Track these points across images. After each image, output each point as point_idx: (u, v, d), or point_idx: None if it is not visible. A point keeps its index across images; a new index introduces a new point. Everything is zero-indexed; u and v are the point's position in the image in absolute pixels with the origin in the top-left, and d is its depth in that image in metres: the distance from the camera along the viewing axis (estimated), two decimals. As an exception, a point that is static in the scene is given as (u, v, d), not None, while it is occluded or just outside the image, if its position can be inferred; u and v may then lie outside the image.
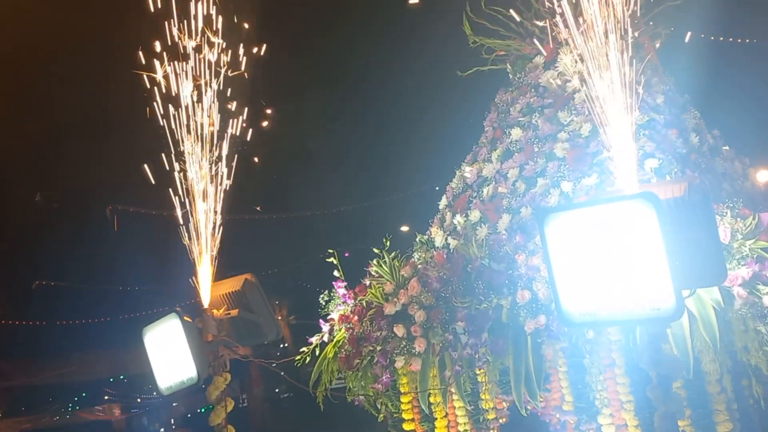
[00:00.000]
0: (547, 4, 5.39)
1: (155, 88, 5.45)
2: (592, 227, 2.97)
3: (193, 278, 4.52)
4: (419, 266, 4.62)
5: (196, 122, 5.21)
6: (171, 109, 5.31)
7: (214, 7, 5.30)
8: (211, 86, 5.44)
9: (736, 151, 5.24)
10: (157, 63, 5.17)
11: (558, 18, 4.98)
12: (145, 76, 5.22)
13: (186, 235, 4.74)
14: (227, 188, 5.15)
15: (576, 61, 5.03)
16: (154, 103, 5.09)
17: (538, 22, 5.36)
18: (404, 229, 14.17)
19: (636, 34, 4.73)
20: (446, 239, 4.92)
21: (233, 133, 5.52)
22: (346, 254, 5.23)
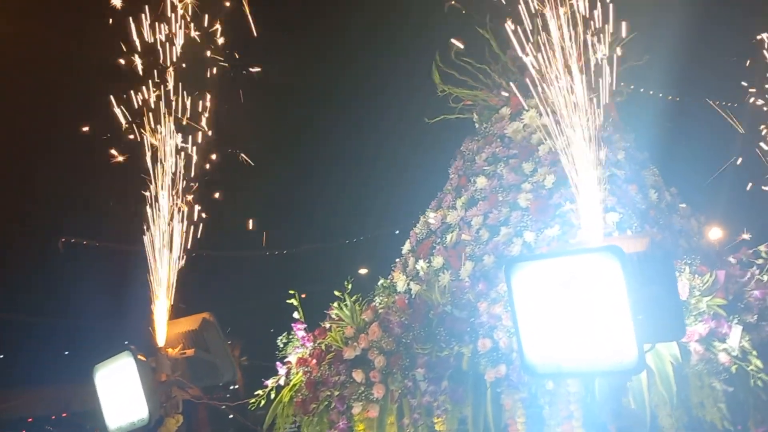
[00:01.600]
0: (513, 58, 5.54)
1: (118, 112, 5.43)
2: (558, 278, 3.00)
3: (149, 315, 4.42)
4: (380, 311, 4.59)
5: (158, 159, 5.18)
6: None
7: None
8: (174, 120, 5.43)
9: (692, 209, 5.37)
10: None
11: (525, 72, 5.12)
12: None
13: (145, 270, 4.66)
14: (187, 226, 5.10)
15: (541, 114, 5.14)
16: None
17: (512, 68, 5.45)
18: (363, 271, 14.14)
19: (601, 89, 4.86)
20: (408, 284, 4.91)
21: (196, 171, 5.50)
22: (303, 295, 5.20)
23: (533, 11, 4.74)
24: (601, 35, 5.04)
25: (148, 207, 4.67)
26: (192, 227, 5.31)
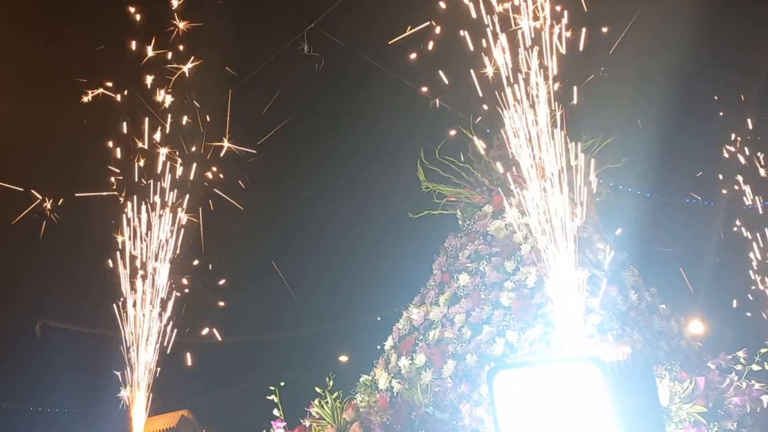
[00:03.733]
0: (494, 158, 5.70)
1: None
2: (539, 385, 3.01)
3: (126, 411, 4.36)
4: (362, 409, 4.54)
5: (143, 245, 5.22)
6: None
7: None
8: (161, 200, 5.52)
9: (672, 310, 5.43)
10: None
11: (506, 173, 5.27)
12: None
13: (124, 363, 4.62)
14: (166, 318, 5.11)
15: (522, 214, 5.25)
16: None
17: (494, 168, 5.60)
18: (343, 359, 13.96)
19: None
20: (390, 382, 4.87)
21: (176, 257, 5.54)
22: (282, 383, 5.14)
23: (514, 112, 4.94)
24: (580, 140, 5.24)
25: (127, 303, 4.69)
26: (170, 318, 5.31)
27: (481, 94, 5.21)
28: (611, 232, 5.57)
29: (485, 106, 4.83)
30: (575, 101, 4.86)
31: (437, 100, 7.09)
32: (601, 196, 5.71)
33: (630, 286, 5.05)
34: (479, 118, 5.73)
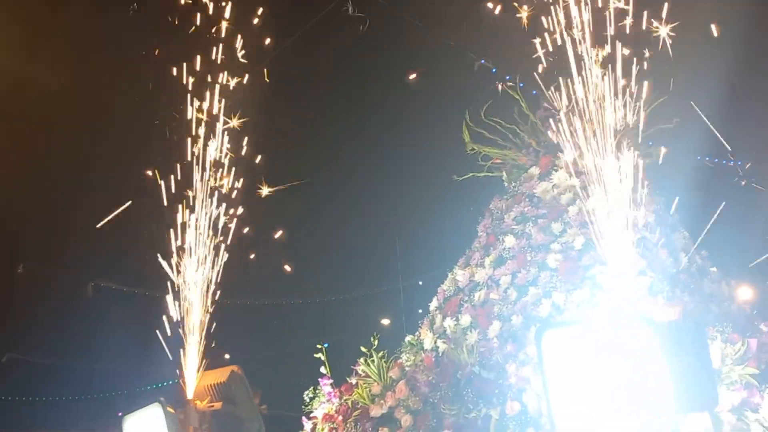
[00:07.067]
0: (544, 118, 5.62)
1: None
2: (589, 344, 3.00)
3: (178, 367, 4.48)
4: (407, 368, 4.59)
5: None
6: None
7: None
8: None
9: (723, 273, 5.32)
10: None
11: (555, 133, 5.19)
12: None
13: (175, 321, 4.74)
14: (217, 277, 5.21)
15: (570, 175, 5.18)
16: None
17: (541, 129, 5.52)
18: (385, 322, 14.09)
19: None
20: (435, 342, 4.90)
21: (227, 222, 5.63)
22: (326, 344, 5.22)
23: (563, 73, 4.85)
24: (632, 99, 5.12)
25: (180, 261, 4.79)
26: (219, 277, 5.41)
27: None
28: (662, 195, 5.46)
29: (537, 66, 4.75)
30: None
31: (483, 61, 6.99)
32: (651, 157, 5.59)
33: (681, 248, 4.96)
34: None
